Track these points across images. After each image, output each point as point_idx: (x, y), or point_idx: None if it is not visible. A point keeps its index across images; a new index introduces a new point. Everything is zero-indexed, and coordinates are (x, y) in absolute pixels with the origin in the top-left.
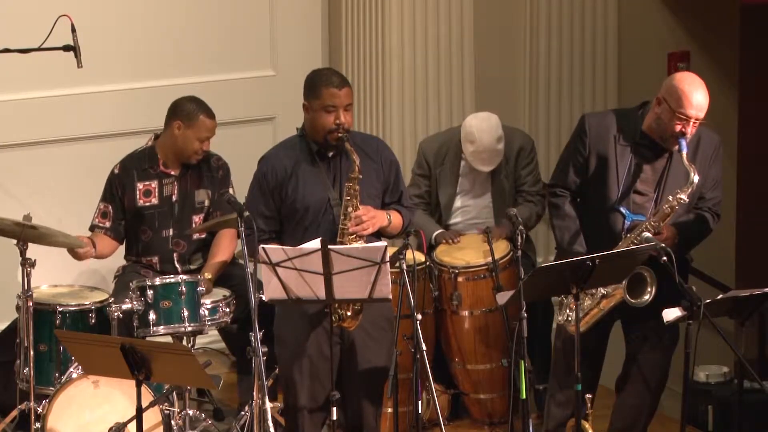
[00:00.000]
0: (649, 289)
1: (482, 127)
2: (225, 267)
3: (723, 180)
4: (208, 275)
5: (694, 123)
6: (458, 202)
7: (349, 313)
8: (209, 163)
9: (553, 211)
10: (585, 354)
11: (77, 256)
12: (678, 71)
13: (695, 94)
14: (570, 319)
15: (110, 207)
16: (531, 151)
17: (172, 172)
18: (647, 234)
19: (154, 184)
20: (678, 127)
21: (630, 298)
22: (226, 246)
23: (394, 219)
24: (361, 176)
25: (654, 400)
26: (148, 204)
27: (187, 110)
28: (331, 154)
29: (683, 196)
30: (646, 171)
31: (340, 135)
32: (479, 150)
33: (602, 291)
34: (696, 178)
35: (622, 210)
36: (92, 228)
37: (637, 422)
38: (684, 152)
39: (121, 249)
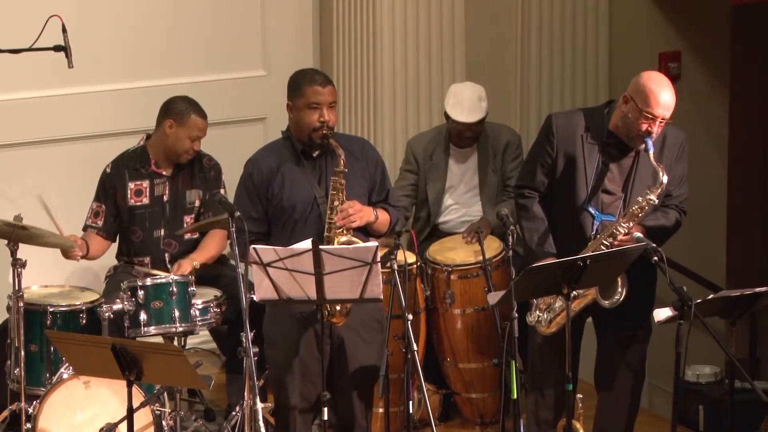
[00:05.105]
0: (619, 290)
1: (462, 85)
2: (211, 260)
3: (713, 179)
4: (196, 263)
5: (660, 123)
6: (448, 200)
7: (338, 308)
8: (201, 163)
9: (521, 213)
10: (561, 354)
11: (67, 255)
12: (645, 72)
13: (663, 94)
14: (541, 320)
15: (103, 207)
16: (518, 147)
17: (164, 172)
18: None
19: (146, 183)
20: (644, 126)
21: (602, 299)
22: (216, 243)
23: (381, 215)
24: (346, 170)
25: (635, 397)
26: (139, 204)
27: (178, 109)
28: (316, 153)
29: (653, 197)
30: (614, 170)
31: (324, 132)
32: (459, 100)
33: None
34: (665, 179)
35: (591, 210)
36: (85, 228)
37: (620, 420)
38: (651, 152)
39: (113, 249)
